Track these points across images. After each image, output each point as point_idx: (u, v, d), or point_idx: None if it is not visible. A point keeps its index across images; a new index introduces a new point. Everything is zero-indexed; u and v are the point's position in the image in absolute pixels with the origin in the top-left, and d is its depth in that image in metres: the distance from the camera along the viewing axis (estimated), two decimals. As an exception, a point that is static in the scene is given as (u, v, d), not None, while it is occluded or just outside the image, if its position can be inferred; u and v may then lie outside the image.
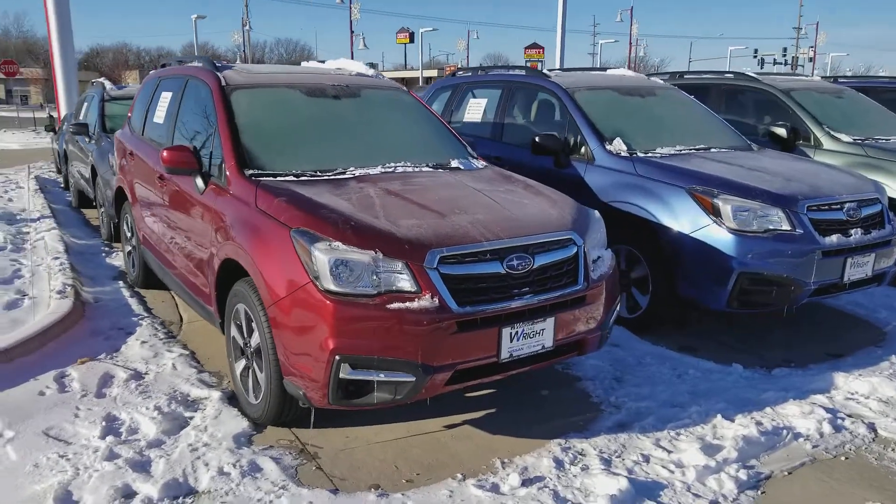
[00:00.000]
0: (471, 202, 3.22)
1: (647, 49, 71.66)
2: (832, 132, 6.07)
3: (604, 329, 3.29)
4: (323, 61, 5.01)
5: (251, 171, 3.37)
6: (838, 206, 4.17)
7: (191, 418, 3.29)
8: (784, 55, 52.77)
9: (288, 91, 4.01)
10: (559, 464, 2.93)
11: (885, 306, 5.10)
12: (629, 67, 51.72)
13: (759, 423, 3.25)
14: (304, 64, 5.08)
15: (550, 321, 3.00)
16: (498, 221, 3.04)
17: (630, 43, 49.88)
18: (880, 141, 6.01)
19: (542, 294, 2.98)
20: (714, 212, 4.08)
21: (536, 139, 4.98)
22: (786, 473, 2.93)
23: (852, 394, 3.64)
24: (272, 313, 2.85)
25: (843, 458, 3.05)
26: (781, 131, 6.15)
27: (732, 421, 3.27)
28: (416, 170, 3.67)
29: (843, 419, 3.35)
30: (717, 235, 4.04)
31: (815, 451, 3.10)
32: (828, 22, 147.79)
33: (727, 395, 3.62)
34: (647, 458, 2.98)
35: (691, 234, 4.13)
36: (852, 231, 4.14)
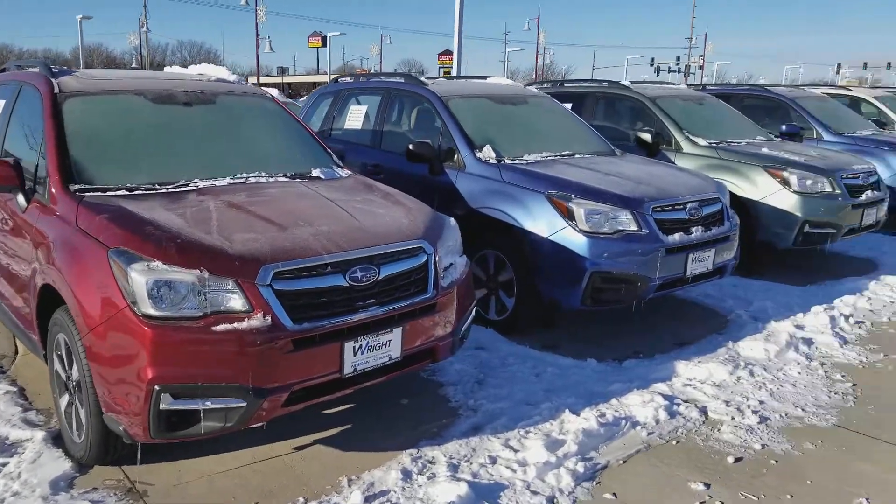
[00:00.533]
0: (320, 213, 3.20)
1: (554, 57, 73.92)
2: (691, 137, 6.51)
3: (456, 335, 3.38)
4: (185, 66, 4.92)
5: (77, 187, 3.14)
6: (681, 206, 4.49)
7: (4, 465, 2.97)
8: (678, 63, 55.82)
9: (132, 98, 3.79)
10: (407, 475, 2.95)
11: (732, 295, 5.53)
12: (536, 75, 53.56)
13: (601, 415, 3.45)
14: (166, 69, 4.95)
15: (398, 332, 3.02)
16: (343, 232, 3.03)
17: (537, 51, 51.35)
18: (732, 144, 6.50)
19: (389, 305, 2.99)
20: (569, 215, 4.31)
21: (410, 147, 5.08)
22: (621, 462, 3.13)
23: (690, 380, 3.94)
24: (87, 342, 2.65)
25: (674, 443, 3.30)
26: (647, 136, 6.53)
27: (578, 415, 3.46)
28: (271, 180, 3.61)
29: (678, 405, 3.62)
30: (572, 238, 4.27)
31: (650, 438, 3.32)
32: (716, 33, 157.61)
33: (579, 389, 3.81)
34: (493, 460, 3.07)
35: (549, 237, 4.34)
36: (694, 229, 4.48)
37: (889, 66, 59.79)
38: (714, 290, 5.65)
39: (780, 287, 5.79)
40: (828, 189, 5.89)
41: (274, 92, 8.94)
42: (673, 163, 6.44)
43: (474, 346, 4.42)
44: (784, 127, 8.02)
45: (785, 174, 5.87)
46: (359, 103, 6.43)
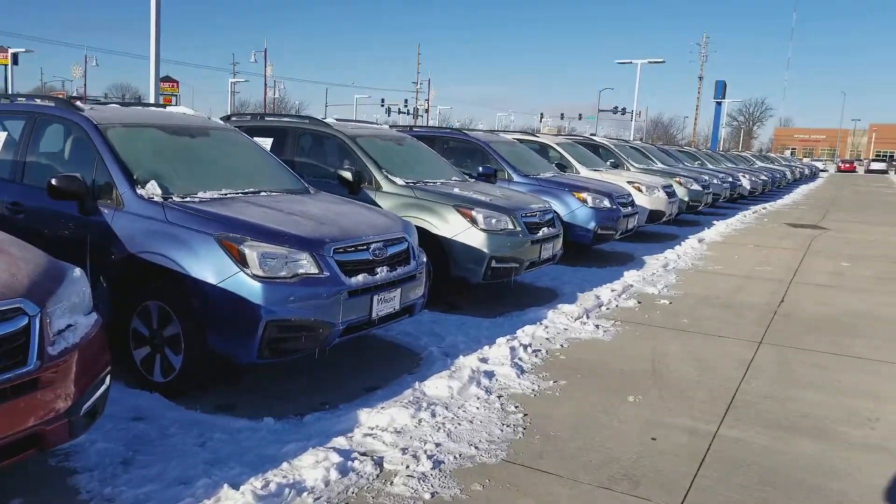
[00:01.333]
0: None
1: (285, 92, 73.55)
2: (390, 176, 6.59)
3: (73, 415, 2.73)
4: None
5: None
6: (364, 247, 4.37)
7: None
8: (406, 105, 59.50)
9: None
10: None
11: (429, 332, 5.60)
12: (265, 108, 52.61)
13: (265, 485, 3.05)
14: None
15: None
16: None
17: (265, 84, 50.53)
18: (428, 184, 6.73)
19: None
20: (241, 259, 3.90)
21: (53, 181, 4.24)
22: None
23: (372, 429, 3.75)
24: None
25: (345, 504, 3.05)
26: (348, 175, 6.46)
27: (239, 489, 3.02)
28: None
29: (354, 460, 3.37)
30: (245, 284, 3.86)
31: (318, 503, 3.03)
32: (438, 80, 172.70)
33: (248, 456, 3.38)
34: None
35: (219, 285, 3.88)
36: (379, 269, 4.38)
37: (580, 116, 70.49)
38: (412, 328, 5.67)
39: (473, 321, 6.03)
40: (510, 227, 6.36)
41: None
42: (375, 201, 6.45)
43: (131, 416, 3.79)
44: (480, 168, 8.65)
45: (473, 213, 6.20)
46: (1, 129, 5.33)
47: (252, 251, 3.90)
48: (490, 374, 4.64)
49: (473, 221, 6.17)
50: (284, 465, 3.28)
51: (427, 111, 59.83)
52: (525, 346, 5.23)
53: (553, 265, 8.05)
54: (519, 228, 6.42)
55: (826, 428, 4.03)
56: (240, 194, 4.74)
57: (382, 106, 61.92)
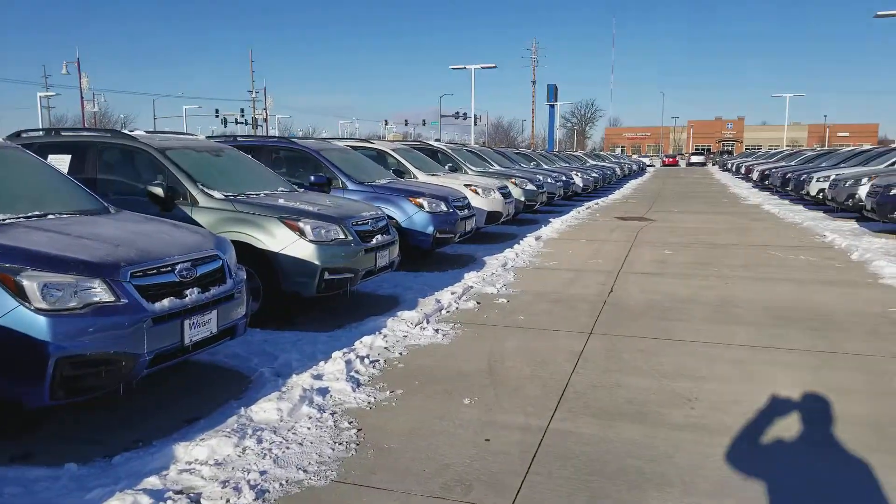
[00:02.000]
0: None
1: (107, 105, 68.14)
2: (206, 190, 6.25)
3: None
4: None
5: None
6: (168, 269, 4.08)
7: None
8: (243, 115, 57.42)
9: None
10: None
11: (260, 352, 5.37)
12: (84, 122, 48.58)
13: (55, 545, 2.76)
14: None
15: None
16: None
17: (82, 97, 46.53)
18: (251, 196, 6.47)
19: None
20: (20, 292, 3.49)
21: None
22: None
23: (190, 463, 3.50)
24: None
25: (153, 553, 2.80)
26: (158, 191, 6.04)
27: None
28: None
29: (167, 500, 3.13)
30: (26, 319, 3.45)
31: (121, 557, 2.77)
32: (275, 89, 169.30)
33: (41, 511, 3.05)
34: None
35: (-5, 323, 3.44)
36: (188, 291, 4.12)
37: (424, 123, 72.01)
38: (242, 349, 5.41)
39: (310, 336, 5.87)
40: (341, 236, 6.27)
41: None
42: (192, 218, 6.09)
43: None
44: (312, 178, 8.48)
45: (300, 224, 6.04)
46: None
47: (32, 282, 3.51)
48: (324, 391, 4.52)
49: (301, 233, 6.01)
50: (86, 515, 2.97)
51: (266, 120, 58.14)
52: (362, 358, 5.17)
53: (394, 272, 8.08)
54: (350, 237, 6.35)
55: (650, 412, 4.28)
56: (21, 219, 4.26)
57: (217, 116, 59.34)
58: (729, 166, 51.31)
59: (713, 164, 73.47)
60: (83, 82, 45.10)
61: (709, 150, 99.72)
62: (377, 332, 5.87)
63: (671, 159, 78.92)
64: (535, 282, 8.52)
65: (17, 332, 3.44)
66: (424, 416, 4.21)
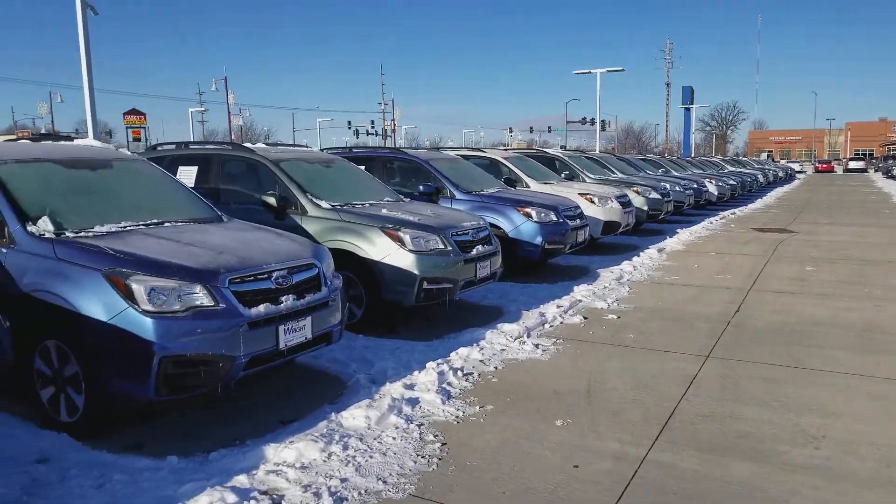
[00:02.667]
0: None
1: (251, 118, 73.66)
2: (315, 200, 6.56)
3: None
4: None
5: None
6: (265, 276, 4.31)
7: None
8: (373, 126, 59.91)
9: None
10: None
11: (359, 358, 5.56)
12: (230, 135, 52.74)
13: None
14: None
15: None
16: None
17: (229, 112, 50.72)
18: (356, 206, 6.71)
19: None
20: (129, 294, 3.83)
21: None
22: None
23: (278, 465, 3.67)
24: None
25: (231, 551, 2.96)
26: (271, 200, 6.42)
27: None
28: None
29: (251, 500, 3.30)
30: (135, 320, 3.79)
31: (202, 552, 2.95)
32: (402, 100, 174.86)
33: (144, 498, 3.33)
34: None
35: (109, 322, 3.80)
36: (283, 298, 4.33)
37: (549, 129, 71.43)
38: (343, 354, 5.62)
39: (408, 345, 5.99)
40: (440, 246, 6.35)
41: None
42: (301, 227, 6.41)
43: (35, 458, 3.76)
44: (421, 187, 8.66)
45: (400, 234, 6.19)
46: None
47: (140, 285, 3.84)
48: (414, 402, 4.58)
49: (401, 242, 6.15)
50: (177, 508, 3.20)
51: (394, 131, 60.26)
52: (456, 370, 5.19)
53: (501, 283, 8.06)
54: (450, 248, 6.41)
55: (765, 449, 3.91)
56: (140, 226, 4.68)
57: (349, 128, 62.30)
58: (894, 173, 46.61)
59: (875, 171, 67.08)
60: (230, 98, 49.10)
61: (870, 154, 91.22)
62: (474, 344, 5.87)
63: (825, 165, 72.95)
64: (651, 297, 8.17)
65: (126, 332, 3.78)
66: (512, 435, 4.15)
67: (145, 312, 3.79)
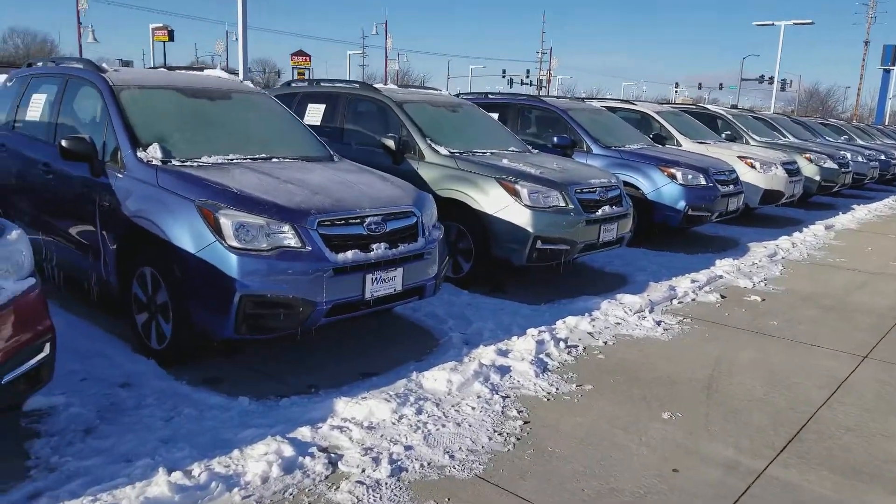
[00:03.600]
0: None
1: (408, 63, 74.78)
2: (433, 145, 6.23)
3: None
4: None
5: None
6: (357, 221, 4.06)
7: None
8: (528, 76, 58.49)
9: None
10: None
11: (458, 315, 5.26)
12: (385, 80, 53.88)
13: (198, 474, 2.88)
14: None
15: None
16: None
17: (386, 56, 51.62)
18: (476, 154, 6.30)
19: None
20: (217, 228, 3.73)
21: (63, 143, 4.31)
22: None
23: (345, 421, 3.47)
24: None
25: (275, 508, 2.80)
26: (390, 143, 6.19)
27: (170, 475, 2.87)
28: None
29: (307, 455, 3.11)
30: (220, 254, 3.69)
31: (246, 502, 2.81)
32: (559, 49, 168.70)
33: (204, 438, 3.26)
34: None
35: (197, 254, 3.74)
36: (374, 246, 4.07)
37: (721, 86, 66.10)
38: (443, 310, 5.34)
39: (513, 306, 5.59)
40: (560, 203, 5.81)
41: None
42: (417, 172, 6.14)
43: (120, 382, 3.83)
44: (555, 139, 8.08)
45: (517, 186, 5.71)
46: (37, 92, 5.52)
47: (228, 220, 3.73)
48: (504, 370, 4.21)
49: (517, 196, 5.69)
50: (235, 452, 3.11)
51: (549, 81, 58.55)
52: (559, 340, 4.74)
53: (631, 247, 7.40)
54: (571, 206, 5.85)
55: None
56: (247, 160, 4.59)
57: (504, 77, 61.36)
58: None
59: None
60: (388, 43, 49.93)
61: None
62: (586, 314, 5.35)
63: None
64: (807, 280, 7.13)
65: (212, 266, 3.70)
66: (607, 423, 3.66)
67: (231, 248, 3.68)
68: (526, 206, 5.65)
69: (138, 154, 4.31)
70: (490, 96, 9.60)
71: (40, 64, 5.87)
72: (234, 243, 3.70)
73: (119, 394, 3.68)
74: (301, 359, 4.37)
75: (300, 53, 48.53)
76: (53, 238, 4.97)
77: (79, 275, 4.77)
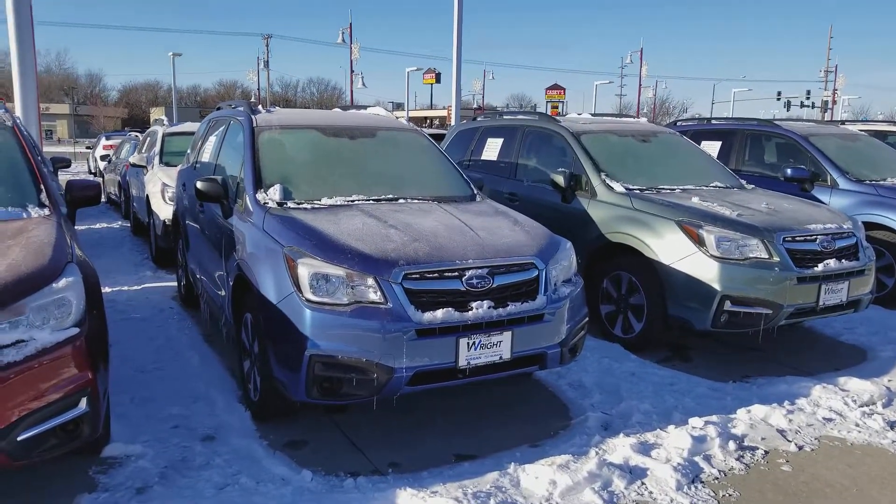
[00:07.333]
0: None
1: (668, 91, 71.38)
2: (608, 181, 5.34)
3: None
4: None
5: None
6: (455, 274, 3.40)
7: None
8: (808, 97, 51.89)
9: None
10: None
11: (611, 389, 4.31)
12: (637, 109, 51.91)
13: None
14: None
15: None
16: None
17: (640, 84, 49.82)
18: (661, 191, 5.31)
19: None
20: (295, 278, 3.43)
21: (197, 184, 4.44)
22: None
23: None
24: None
25: None
26: (559, 179, 5.61)
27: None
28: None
29: None
30: (295, 307, 3.35)
31: None
32: (849, 66, 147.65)
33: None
34: None
35: (277, 304, 3.47)
36: (474, 304, 3.39)
37: None
38: (592, 378, 4.50)
39: (688, 382, 4.49)
40: (760, 254, 4.54)
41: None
42: (587, 212, 5.40)
43: (205, 434, 3.71)
44: (788, 171, 6.67)
45: (700, 232, 4.60)
46: (213, 134, 5.89)
47: (305, 269, 3.41)
48: (637, 474, 3.27)
49: (701, 243, 4.59)
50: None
51: (834, 102, 51.23)
52: (731, 438, 3.62)
53: (892, 310, 5.72)
54: (776, 258, 4.55)
55: None
56: (369, 201, 4.29)
57: (778, 99, 55.46)
58: None
59: None
60: (643, 70, 48.15)
61: None
62: (784, 402, 4.09)
63: None
64: None
65: (288, 319, 3.39)
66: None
67: (306, 301, 3.34)
68: (713, 256, 4.53)
69: (257, 196, 4.23)
70: (713, 122, 8.30)
71: (222, 107, 6.28)
72: (310, 295, 3.35)
73: (195, 448, 3.50)
74: (402, 425, 3.86)
75: (555, 87, 49.31)
76: (203, 274, 5.17)
77: (217, 313, 4.87)
